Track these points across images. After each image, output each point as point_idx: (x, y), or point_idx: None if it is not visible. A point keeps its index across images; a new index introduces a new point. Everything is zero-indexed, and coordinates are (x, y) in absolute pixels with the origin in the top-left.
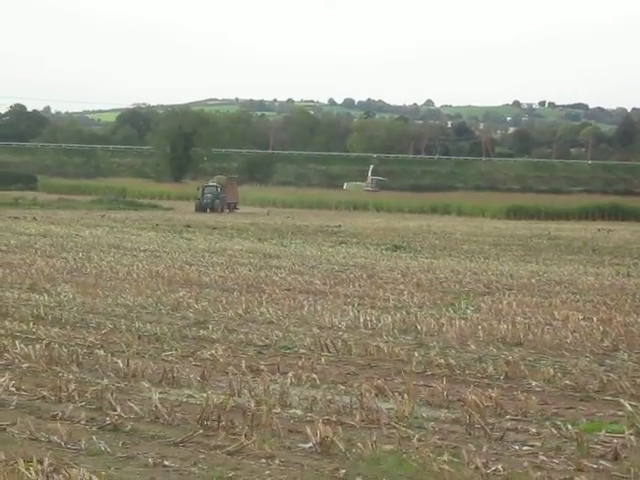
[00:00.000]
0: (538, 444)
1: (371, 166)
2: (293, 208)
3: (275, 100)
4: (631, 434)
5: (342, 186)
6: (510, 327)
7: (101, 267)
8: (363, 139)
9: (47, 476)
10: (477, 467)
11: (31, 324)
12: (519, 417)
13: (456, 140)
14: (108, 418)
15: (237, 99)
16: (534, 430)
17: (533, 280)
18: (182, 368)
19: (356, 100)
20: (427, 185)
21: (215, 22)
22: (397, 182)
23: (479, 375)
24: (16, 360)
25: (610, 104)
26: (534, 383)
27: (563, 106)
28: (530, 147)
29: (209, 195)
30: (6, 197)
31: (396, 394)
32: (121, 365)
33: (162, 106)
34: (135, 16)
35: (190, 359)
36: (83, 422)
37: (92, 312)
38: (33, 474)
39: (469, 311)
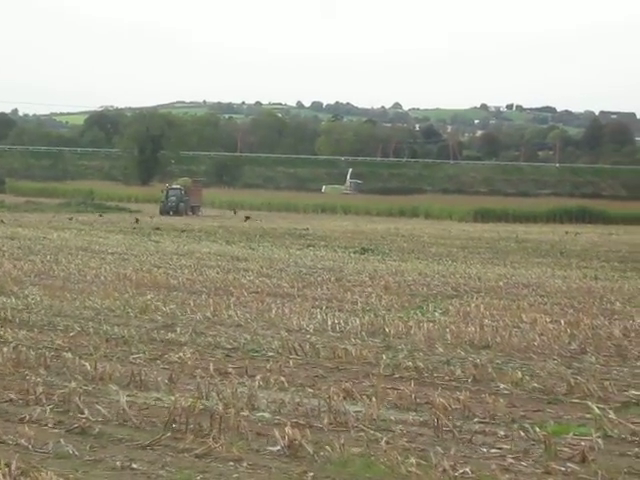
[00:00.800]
0: (506, 447)
1: (350, 169)
2: (261, 211)
3: (243, 103)
4: (598, 437)
5: (316, 189)
6: (478, 330)
7: (69, 270)
8: (331, 142)
9: (15, 479)
10: (445, 470)
11: None
12: (487, 420)
13: (424, 143)
14: (76, 421)
15: (205, 102)
16: (502, 433)
17: (501, 283)
18: (150, 371)
19: (324, 103)
20: (395, 188)
21: (183, 24)
22: (365, 185)
23: (447, 378)
24: None
25: (578, 107)
26: (502, 386)
27: (531, 109)
28: (498, 150)
29: (173, 198)
30: None
31: (364, 397)
32: (89, 368)
33: (130, 109)
34: (103, 18)
35: (158, 362)
36: (51, 425)
37: (60, 315)
38: (0, 477)
39: (437, 314)
